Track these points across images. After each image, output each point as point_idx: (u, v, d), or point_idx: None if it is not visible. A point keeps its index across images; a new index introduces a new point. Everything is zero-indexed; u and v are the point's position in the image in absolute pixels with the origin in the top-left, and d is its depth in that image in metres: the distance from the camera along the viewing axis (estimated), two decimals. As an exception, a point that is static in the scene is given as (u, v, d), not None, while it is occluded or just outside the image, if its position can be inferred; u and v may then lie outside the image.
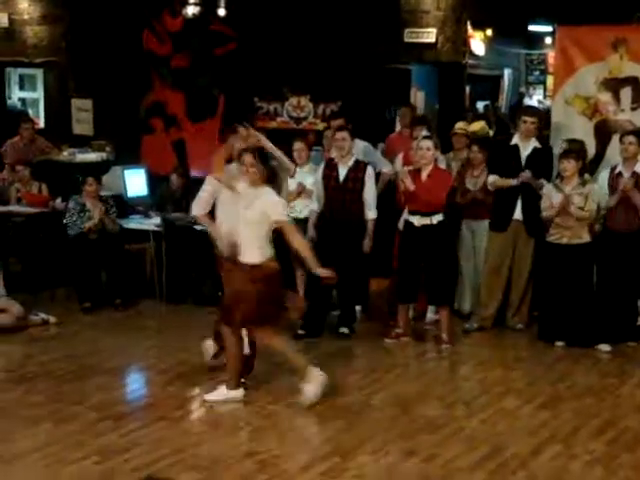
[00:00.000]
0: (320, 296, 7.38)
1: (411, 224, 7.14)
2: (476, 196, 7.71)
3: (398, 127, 9.45)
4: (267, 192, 5.74)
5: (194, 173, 10.49)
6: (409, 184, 7.00)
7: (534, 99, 13.70)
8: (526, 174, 7.32)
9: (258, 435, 5.29)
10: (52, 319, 7.71)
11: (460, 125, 8.43)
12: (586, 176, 7.38)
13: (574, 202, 7.05)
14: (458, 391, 6.27)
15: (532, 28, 12.21)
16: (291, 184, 7.71)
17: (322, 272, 5.83)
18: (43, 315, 7.70)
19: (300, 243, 5.85)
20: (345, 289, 7.53)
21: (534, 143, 7.51)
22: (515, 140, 7.58)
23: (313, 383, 5.73)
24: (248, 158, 5.74)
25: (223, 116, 11.06)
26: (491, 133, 10.61)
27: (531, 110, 8.53)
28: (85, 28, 11.52)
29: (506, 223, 7.52)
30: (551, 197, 7.16)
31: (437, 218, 7.08)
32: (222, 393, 5.80)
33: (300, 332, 7.37)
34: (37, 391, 6.00)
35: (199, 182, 9.50)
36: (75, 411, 5.64)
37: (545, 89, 13.72)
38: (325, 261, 7.23)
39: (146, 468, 4.78)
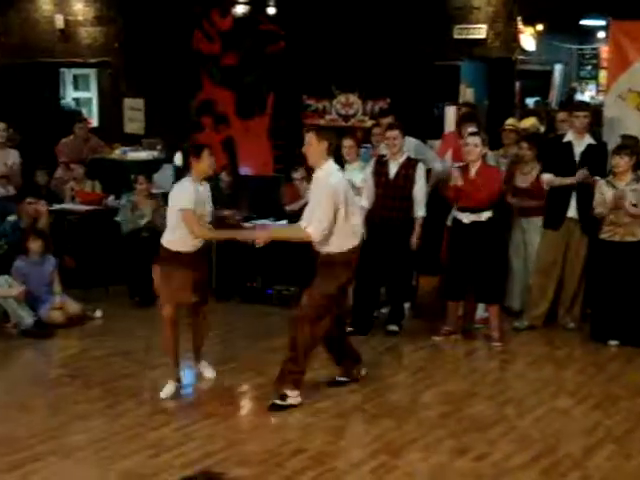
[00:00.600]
0: (368, 293, 7.39)
1: (460, 221, 7.11)
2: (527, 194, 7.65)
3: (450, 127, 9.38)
4: None
5: (243, 171, 10.59)
6: (456, 180, 6.97)
7: (586, 95, 13.50)
8: (583, 172, 7.22)
9: (307, 432, 5.31)
10: (98, 313, 7.86)
11: (510, 121, 8.36)
12: (640, 172, 7.28)
13: (628, 199, 6.95)
14: (509, 390, 6.22)
15: (584, 22, 12.03)
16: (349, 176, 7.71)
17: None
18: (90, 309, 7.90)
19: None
20: (394, 286, 7.53)
21: (588, 140, 7.40)
22: (568, 137, 7.47)
23: None
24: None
25: (272, 114, 11.12)
26: (542, 129, 10.52)
27: (583, 105, 8.41)
28: (137, 29, 11.69)
29: (560, 221, 7.44)
30: (604, 194, 7.07)
31: (486, 215, 7.03)
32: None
33: (349, 329, 7.39)
34: (92, 386, 6.11)
35: (247, 180, 9.65)
36: (129, 406, 5.73)
37: (597, 84, 13.52)
38: (373, 258, 7.30)
39: (198, 463, 4.83)
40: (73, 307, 7.66)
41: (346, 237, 5.67)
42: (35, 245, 7.69)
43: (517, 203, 7.76)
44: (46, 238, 7.89)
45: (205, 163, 5.93)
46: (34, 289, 7.59)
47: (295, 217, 7.97)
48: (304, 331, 5.63)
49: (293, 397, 5.67)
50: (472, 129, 7.49)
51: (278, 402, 5.65)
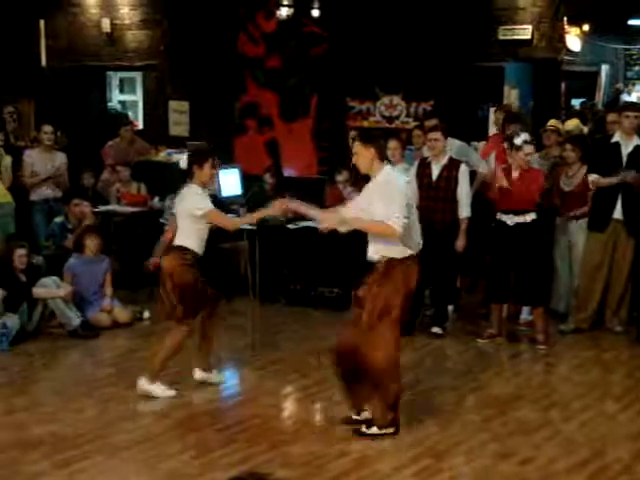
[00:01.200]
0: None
1: (503, 223, 7.06)
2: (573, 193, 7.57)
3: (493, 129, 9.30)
4: None
5: (287, 173, 10.62)
6: (501, 180, 6.91)
7: (633, 95, 13.30)
8: (631, 174, 7.10)
9: (351, 434, 5.30)
10: (146, 314, 7.97)
11: (552, 122, 8.28)
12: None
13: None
14: (554, 394, 6.16)
15: (631, 22, 11.86)
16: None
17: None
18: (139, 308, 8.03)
19: None
20: (438, 288, 7.50)
21: (636, 141, 7.29)
22: (616, 138, 7.38)
23: None
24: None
25: (316, 116, 11.15)
26: (585, 130, 10.39)
27: (633, 105, 8.28)
28: (182, 32, 11.81)
29: (606, 223, 7.35)
30: (652, 196, 6.97)
31: (531, 216, 6.98)
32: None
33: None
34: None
35: (291, 182, 9.67)
36: (173, 406, 5.77)
37: (645, 85, 13.30)
38: (421, 259, 7.26)
39: (241, 464, 4.85)
40: (122, 315, 7.76)
41: (408, 242, 5.26)
42: (92, 243, 7.80)
43: (565, 213, 7.66)
44: (102, 238, 7.98)
45: (206, 174, 5.94)
46: (84, 288, 7.69)
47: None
48: (376, 356, 5.16)
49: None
50: (525, 136, 7.14)
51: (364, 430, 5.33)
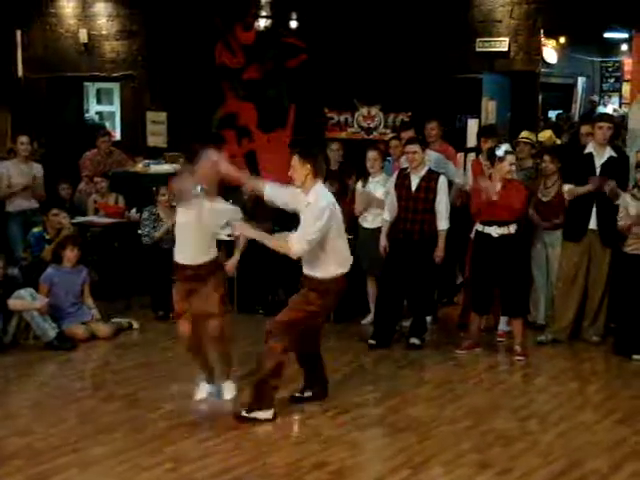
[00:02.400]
0: (391, 306, 7.37)
1: (486, 235, 7.05)
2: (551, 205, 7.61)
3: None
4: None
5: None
6: (490, 193, 6.91)
7: (609, 107, 13.44)
8: (609, 185, 7.14)
9: (329, 445, 5.28)
10: (135, 324, 7.98)
11: (524, 134, 8.32)
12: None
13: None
14: (532, 404, 6.16)
15: (607, 35, 11.99)
16: (360, 194, 7.72)
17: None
18: (128, 319, 8.03)
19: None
20: (416, 299, 7.50)
21: (609, 152, 7.36)
22: (589, 149, 7.43)
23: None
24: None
25: (293, 126, 11.15)
26: (558, 142, 10.47)
27: (606, 116, 8.36)
28: (160, 43, 11.79)
29: (581, 233, 7.39)
30: (628, 207, 7.01)
31: (514, 227, 7.01)
32: None
33: (371, 342, 7.37)
34: (114, 398, 6.11)
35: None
36: (150, 418, 5.72)
37: (621, 97, 13.45)
38: (396, 270, 7.28)
39: (219, 476, 4.83)
40: (101, 329, 7.69)
41: (334, 264, 5.58)
42: (72, 254, 7.75)
43: (538, 221, 7.71)
44: (81, 249, 7.93)
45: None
46: (61, 300, 7.63)
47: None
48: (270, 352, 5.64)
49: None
50: (506, 147, 7.21)
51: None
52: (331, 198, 5.60)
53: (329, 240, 5.51)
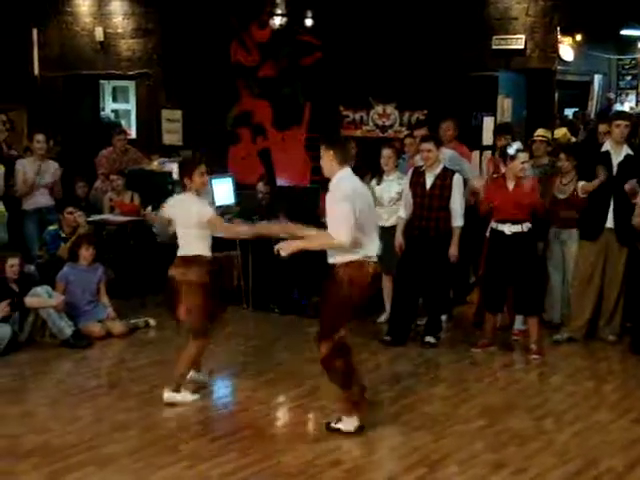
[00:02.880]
0: (406, 304, 7.37)
1: (500, 232, 7.05)
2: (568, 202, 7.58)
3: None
4: None
5: (280, 181, 10.62)
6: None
7: (626, 105, 13.36)
8: (631, 183, 7.10)
9: (344, 444, 5.28)
10: (152, 322, 7.99)
11: (540, 132, 8.29)
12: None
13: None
14: (548, 403, 6.13)
15: (624, 32, 11.92)
16: (377, 192, 7.72)
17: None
18: (145, 318, 8.04)
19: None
20: (431, 298, 7.49)
21: (626, 150, 7.32)
22: (606, 147, 7.39)
23: None
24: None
25: (309, 124, 11.15)
26: (573, 140, 10.41)
27: (624, 114, 8.30)
28: (176, 41, 11.82)
29: (598, 232, 7.35)
30: (644, 205, 6.98)
31: (527, 225, 6.98)
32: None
33: (386, 338, 7.38)
34: (129, 396, 6.14)
35: (284, 190, 9.67)
36: (165, 416, 5.75)
37: (638, 94, 13.36)
38: (411, 268, 7.27)
39: (234, 475, 4.84)
40: (116, 326, 7.72)
41: (364, 245, 5.29)
42: (87, 252, 7.79)
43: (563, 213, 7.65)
44: (96, 247, 7.97)
45: (197, 182, 5.97)
46: (77, 298, 7.67)
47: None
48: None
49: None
50: (518, 144, 7.19)
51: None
52: (357, 183, 5.45)
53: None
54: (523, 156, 6.98)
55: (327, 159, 5.37)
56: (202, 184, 6.04)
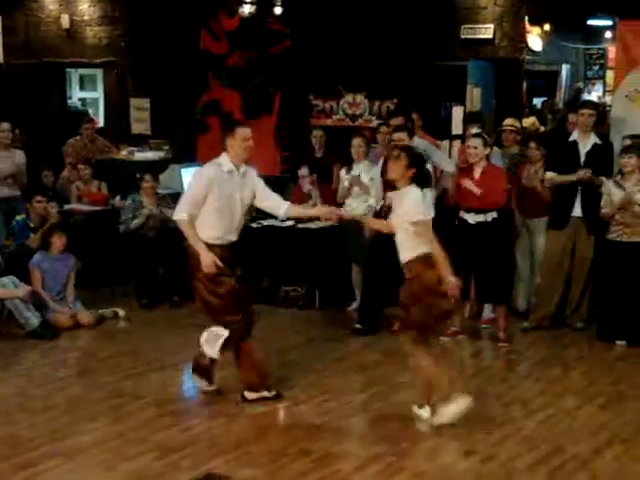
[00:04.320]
0: (376, 292, 7.38)
1: (465, 221, 7.09)
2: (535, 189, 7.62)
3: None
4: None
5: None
6: (470, 186, 6.93)
7: (593, 94, 13.48)
8: (585, 172, 7.18)
9: (313, 433, 5.30)
10: (121, 312, 7.92)
11: (508, 121, 8.34)
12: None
13: (636, 200, 6.91)
14: (516, 390, 6.19)
15: (591, 22, 12.02)
16: (344, 181, 7.72)
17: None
18: (114, 308, 7.96)
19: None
20: (401, 286, 7.49)
21: (594, 139, 7.38)
22: (574, 136, 7.45)
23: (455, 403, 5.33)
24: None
25: (278, 114, 11.12)
26: (542, 129, 10.49)
27: (589, 103, 8.37)
28: (143, 29, 11.71)
29: (565, 220, 7.41)
30: (611, 194, 7.04)
31: (492, 215, 7.02)
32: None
33: (357, 326, 7.40)
34: (98, 387, 6.10)
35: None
36: (135, 407, 5.72)
37: (605, 84, 13.49)
38: (381, 257, 7.27)
39: (204, 464, 4.83)
40: (85, 317, 7.65)
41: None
42: (60, 241, 7.72)
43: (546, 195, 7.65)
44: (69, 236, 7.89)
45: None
46: (48, 287, 7.62)
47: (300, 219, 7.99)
48: None
49: None
50: (474, 130, 7.48)
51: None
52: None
53: None
54: (473, 141, 7.03)
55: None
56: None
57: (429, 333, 5.48)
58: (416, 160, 5.36)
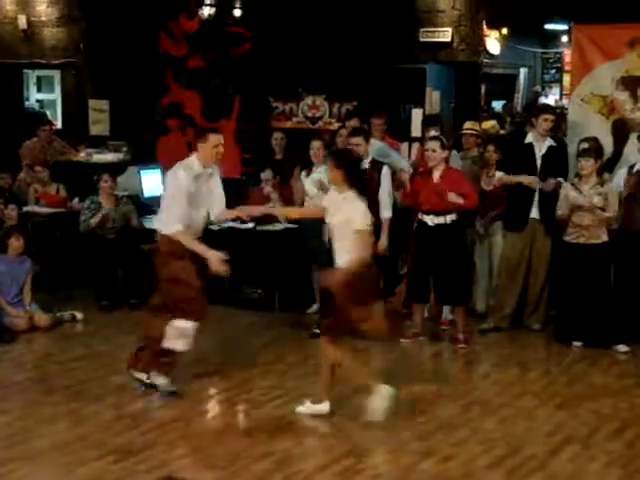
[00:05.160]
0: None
1: (424, 223, 7.14)
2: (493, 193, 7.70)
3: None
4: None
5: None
6: (455, 199, 6.98)
7: (550, 98, 13.64)
8: (550, 184, 7.27)
9: (274, 435, 5.29)
10: (79, 315, 7.85)
11: (468, 125, 8.42)
12: (605, 175, 7.37)
13: (594, 202, 7.01)
14: (474, 391, 6.25)
15: (548, 27, 12.17)
16: (307, 184, 7.73)
17: None
18: (71, 311, 7.88)
19: None
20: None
21: (549, 141, 7.48)
22: (529, 139, 7.55)
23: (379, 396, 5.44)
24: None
25: (238, 116, 11.10)
26: (501, 132, 10.60)
27: (551, 108, 8.49)
28: (102, 30, 11.61)
29: (523, 222, 7.50)
30: (568, 196, 7.14)
31: (451, 217, 7.07)
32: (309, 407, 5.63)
33: (315, 331, 7.39)
34: (56, 390, 6.04)
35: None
36: (93, 410, 5.67)
37: (561, 88, 13.66)
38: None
39: (163, 467, 4.81)
40: (42, 319, 7.56)
41: None
42: (18, 243, 7.63)
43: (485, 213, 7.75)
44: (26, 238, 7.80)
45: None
46: (5, 290, 7.52)
47: (260, 221, 7.98)
48: None
49: None
50: (432, 133, 7.52)
51: None
52: None
53: None
54: (431, 144, 7.10)
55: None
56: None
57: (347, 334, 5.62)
58: (341, 159, 5.55)
